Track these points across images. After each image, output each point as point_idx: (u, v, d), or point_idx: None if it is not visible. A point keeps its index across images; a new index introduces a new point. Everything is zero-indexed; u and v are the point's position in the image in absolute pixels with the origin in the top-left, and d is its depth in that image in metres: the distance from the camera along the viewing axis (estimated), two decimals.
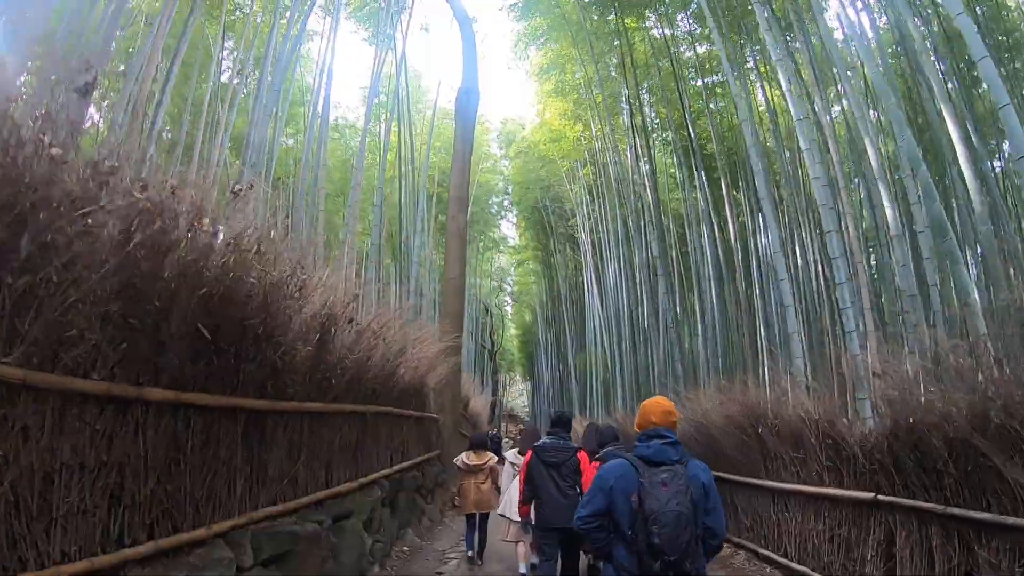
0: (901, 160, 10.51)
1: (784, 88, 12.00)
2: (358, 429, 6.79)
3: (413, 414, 9.23)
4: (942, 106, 10.61)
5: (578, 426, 23.16)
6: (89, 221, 2.83)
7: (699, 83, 20.22)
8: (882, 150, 12.77)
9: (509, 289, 51.66)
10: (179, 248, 3.40)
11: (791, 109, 11.65)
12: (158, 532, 3.43)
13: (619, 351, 21.79)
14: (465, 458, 8.16)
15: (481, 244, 37.90)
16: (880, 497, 5.46)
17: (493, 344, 44.84)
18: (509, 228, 42.93)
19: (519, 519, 6.35)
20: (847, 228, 11.45)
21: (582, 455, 5.73)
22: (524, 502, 5.69)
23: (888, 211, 10.24)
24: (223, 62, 19.04)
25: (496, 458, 8.47)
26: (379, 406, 7.57)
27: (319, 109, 16.65)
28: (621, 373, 21.33)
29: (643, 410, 3.22)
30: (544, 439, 5.78)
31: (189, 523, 3.70)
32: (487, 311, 44.32)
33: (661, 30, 20.34)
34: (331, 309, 5.58)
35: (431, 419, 10.72)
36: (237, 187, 4.24)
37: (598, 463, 5.19)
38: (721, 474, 7.95)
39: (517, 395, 64.92)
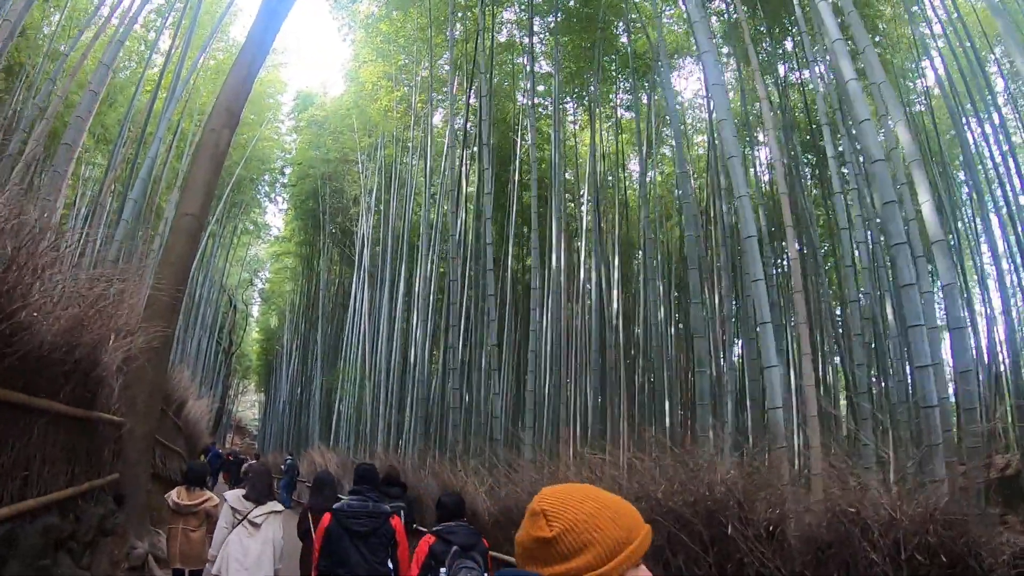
0: None
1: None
2: None
3: (60, 409, 5.02)
4: None
5: (318, 457, 19.55)
6: None
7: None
8: None
9: (260, 286, 45.84)
10: None
11: None
12: None
13: (385, 384, 18.30)
14: (176, 495, 6.63)
15: (239, 226, 32.68)
16: None
17: (231, 343, 39.28)
18: (275, 217, 38.09)
19: None
20: None
21: (396, 522, 4.75)
22: None
23: None
24: None
25: (215, 500, 6.65)
26: None
27: None
28: (384, 410, 17.87)
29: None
30: (346, 500, 4.79)
31: None
32: (231, 304, 38.82)
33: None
34: None
35: (107, 423, 6.44)
36: None
37: (430, 537, 4.19)
38: None
39: (248, 406, 58.75)
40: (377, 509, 4.68)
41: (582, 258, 17.85)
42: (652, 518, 4.81)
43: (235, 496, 5.65)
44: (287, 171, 31.80)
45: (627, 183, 21.22)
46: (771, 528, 4.46)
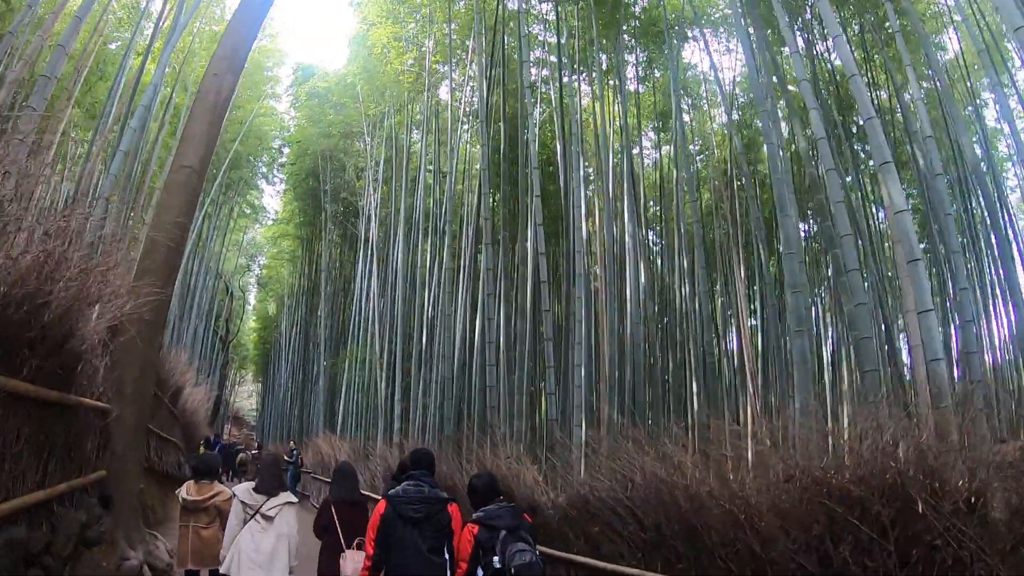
0: None
1: None
2: None
3: (21, 389, 3.77)
4: None
5: (325, 446, 18.38)
6: None
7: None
8: None
9: (257, 271, 44.55)
10: None
11: None
12: None
13: (401, 365, 17.04)
14: (185, 490, 6.20)
15: (236, 209, 31.45)
16: None
17: (228, 331, 38.16)
18: (273, 199, 36.92)
19: None
20: None
21: (454, 509, 4.36)
22: (372, 571, 4.19)
23: None
24: None
25: (227, 493, 6.08)
26: None
27: None
28: (399, 393, 16.69)
29: None
30: (403, 486, 4.38)
31: None
32: (228, 291, 37.69)
33: None
34: None
35: (88, 409, 5.28)
36: None
37: (473, 526, 4.10)
38: None
39: (246, 396, 57.73)
40: (433, 495, 4.37)
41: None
42: (805, 501, 3.81)
43: (244, 490, 5.29)
44: (285, 151, 30.58)
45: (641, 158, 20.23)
46: (972, 501, 3.39)
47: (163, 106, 17.50)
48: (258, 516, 5.10)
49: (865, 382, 7.09)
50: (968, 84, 17.59)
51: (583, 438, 9.62)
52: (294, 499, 5.39)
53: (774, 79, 19.64)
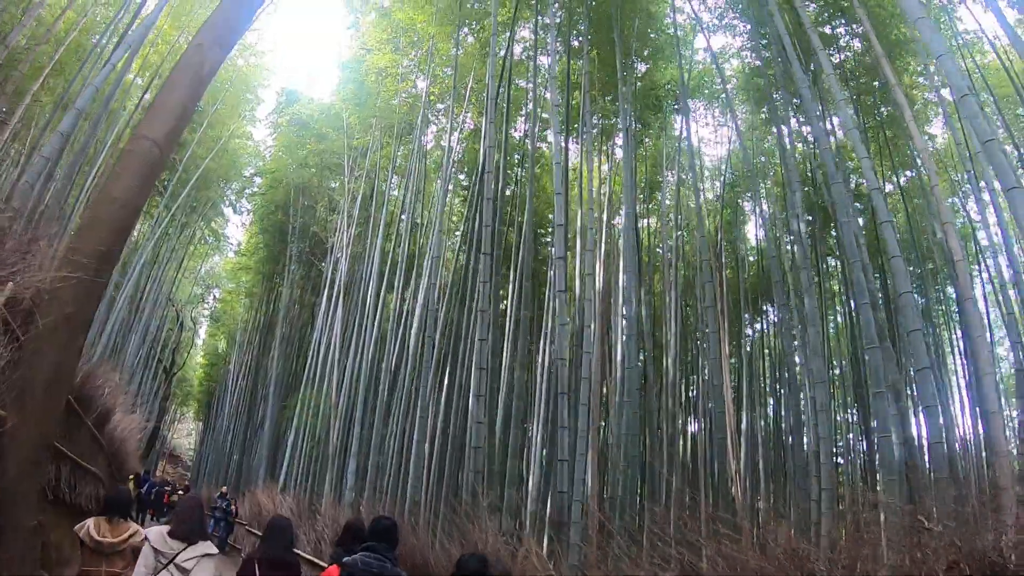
0: None
1: None
2: None
3: None
4: None
5: (265, 499, 16.64)
6: None
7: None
8: None
9: (211, 304, 42.65)
10: None
11: None
12: None
13: (361, 419, 15.59)
14: (93, 529, 4.95)
15: (198, 234, 30.12)
16: None
17: (174, 362, 36.27)
18: (237, 230, 35.70)
19: None
20: None
21: None
22: None
23: None
24: None
25: (143, 534, 4.86)
26: None
27: None
28: (358, 447, 15.22)
29: None
30: (360, 556, 3.78)
31: None
32: (178, 320, 35.95)
33: None
34: None
35: None
36: None
37: None
38: None
39: (185, 434, 54.94)
40: (395, 572, 3.82)
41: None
42: None
43: (158, 534, 4.50)
44: (257, 180, 29.55)
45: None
46: None
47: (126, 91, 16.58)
48: (172, 567, 4.38)
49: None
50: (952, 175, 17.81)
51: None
52: (214, 550, 4.62)
53: (761, 159, 19.68)
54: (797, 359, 14.93)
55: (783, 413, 17.43)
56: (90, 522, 5.12)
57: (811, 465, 10.32)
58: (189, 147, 22.24)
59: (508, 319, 14.70)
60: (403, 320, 15.98)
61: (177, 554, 4.38)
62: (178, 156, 22.52)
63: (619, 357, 13.61)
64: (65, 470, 9.29)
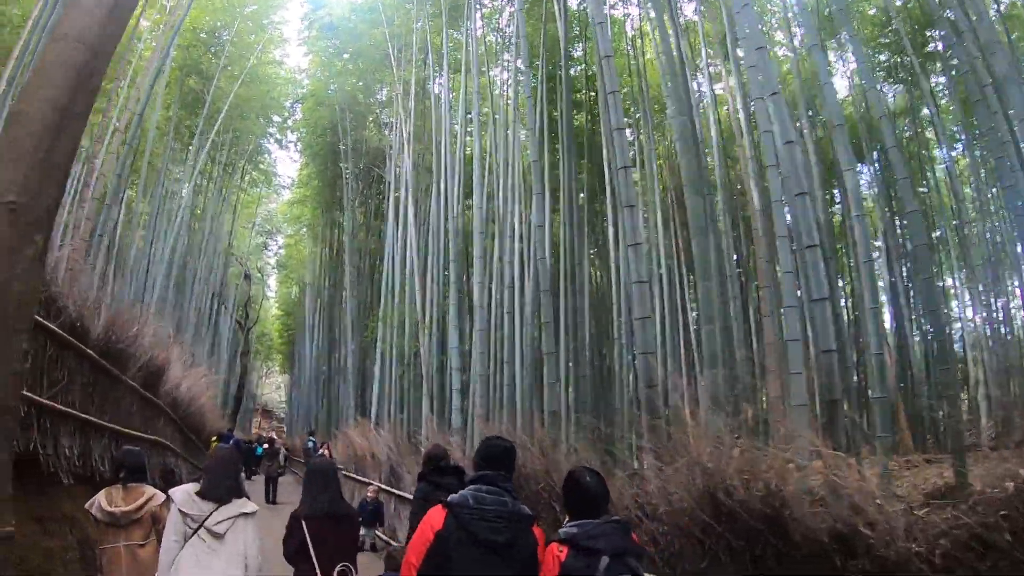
0: None
1: None
2: None
3: None
4: None
5: (358, 437, 14.88)
6: None
7: None
8: None
9: (276, 249, 41.33)
10: None
11: None
12: None
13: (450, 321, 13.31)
14: (104, 500, 4.54)
15: (246, 177, 28.34)
16: None
17: (247, 317, 35.31)
18: (288, 168, 33.94)
19: None
20: None
21: (540, 534, 2.89)
22: None
23: None
24: None
25: (161, 497, 4.58)
26: None
27: None
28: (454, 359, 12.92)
29: None
30: (471, 491, 2.86)
31: None
32: (246, 276, 34.77)
33: None
34: None
35: None
36: None
37: (559, 547, 2.66)
38: None
39: (274, 388, 55.44)
40: (517, 509, 2.86)
41: None
42: None
43: (185, 494, 3.95)
44: (298, 109, 27.46)
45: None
46: None
47: None
48: (202, 531, 3.88)
49: None
50: None
51: None
52: (252, 507, 4.04)
53: None
54: None
55: None
56: (100, 494, 4.65)
57: None
58: (214, 78, 20.50)
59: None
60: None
61: (208, 516, 3.88)
62: (204, 88, 20.66)
63: None
64: (97, 442, 7.18)
